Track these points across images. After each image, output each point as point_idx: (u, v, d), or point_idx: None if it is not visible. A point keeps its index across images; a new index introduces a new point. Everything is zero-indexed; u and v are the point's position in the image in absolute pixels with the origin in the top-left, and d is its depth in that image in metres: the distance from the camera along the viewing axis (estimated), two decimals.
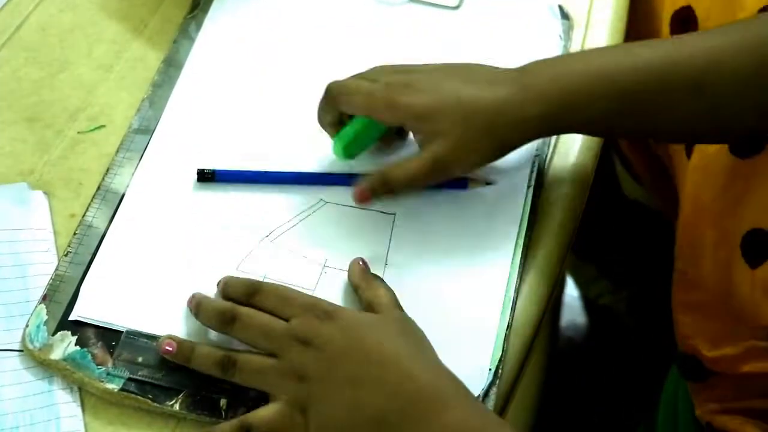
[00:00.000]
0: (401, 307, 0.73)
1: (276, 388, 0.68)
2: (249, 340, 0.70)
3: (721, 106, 0.73)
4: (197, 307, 0.73)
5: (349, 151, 0.81)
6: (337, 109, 0.80)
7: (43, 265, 0.78)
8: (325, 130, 0.82)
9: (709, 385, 0.86)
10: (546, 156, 0.85)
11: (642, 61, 0.74)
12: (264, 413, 0.68)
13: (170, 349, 0.71)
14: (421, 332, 0.71)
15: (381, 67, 0.80)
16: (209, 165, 0.83)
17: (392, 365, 0.66)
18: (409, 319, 0.71)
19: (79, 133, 0.87)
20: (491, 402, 0.71)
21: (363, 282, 0.75)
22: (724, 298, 0.82)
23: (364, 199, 0.77)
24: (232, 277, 0.75)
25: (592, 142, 0.87)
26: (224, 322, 0.71)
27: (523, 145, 0.77)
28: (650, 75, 0.73)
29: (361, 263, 0.76)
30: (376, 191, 0.77)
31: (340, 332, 0.68)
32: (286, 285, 0.74)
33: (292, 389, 0.67)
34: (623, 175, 1.31)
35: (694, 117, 0.74)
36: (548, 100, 0.74)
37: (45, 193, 0.82)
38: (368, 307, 0.73)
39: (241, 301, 0.72)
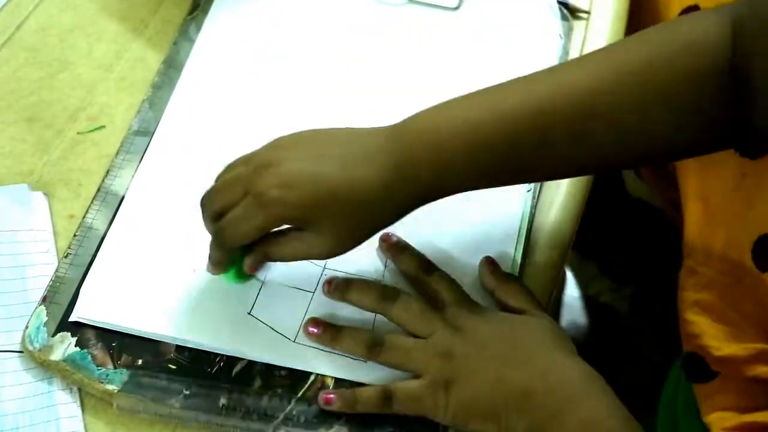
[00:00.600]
0: (543, 307, 0.74)
1: (422, 366, 0.70)
2: (405, 319, 0.73)
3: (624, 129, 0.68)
4: (348, 284, 0.75)
5: (242, 274, 0.76)
6: (230, 247, 0.72)
7: (43, 266, 0.78)
8: (217, 271, 0.75)
9: (715, 388, 0.86)
10: None
11: (518, 108, 0.67)
12: (408, 385, 0.70)
13: (315, 330, 0.73)
14: (564, 333, 0.72)
15: (232, 169, 0.73)
16: (207, 166, 0.83)
17: (540, 354, 0.69)
18: (553, 320, 0.73)
19: (79, 133, 0.87)
20: None
21: (498, 284, 0.76)
22: (734, 300, 0.82)
23: None
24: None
25: None
26: (385, 298, 0.74)
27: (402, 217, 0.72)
28: (530, 121, 0.67)
29: (490, 263, 0.77)
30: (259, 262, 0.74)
31: (490, 322, 0.71)
32: (288, 287, 0.75)
33: (437, 367, 0.69)
34: (627, 173, 1.31)
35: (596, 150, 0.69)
36: (419, 181, 0.68)
37: (45, 194, 0.82)
38: (509, 309, 0.74)
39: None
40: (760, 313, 0.78)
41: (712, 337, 0.84)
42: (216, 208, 0.70)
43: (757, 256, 0.77)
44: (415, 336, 0.72)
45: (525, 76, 0.69)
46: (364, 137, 0.70)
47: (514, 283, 0.76)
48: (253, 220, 0.68)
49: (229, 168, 0.72)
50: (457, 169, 0.68)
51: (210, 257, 0.73)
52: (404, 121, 0.70)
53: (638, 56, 0.66)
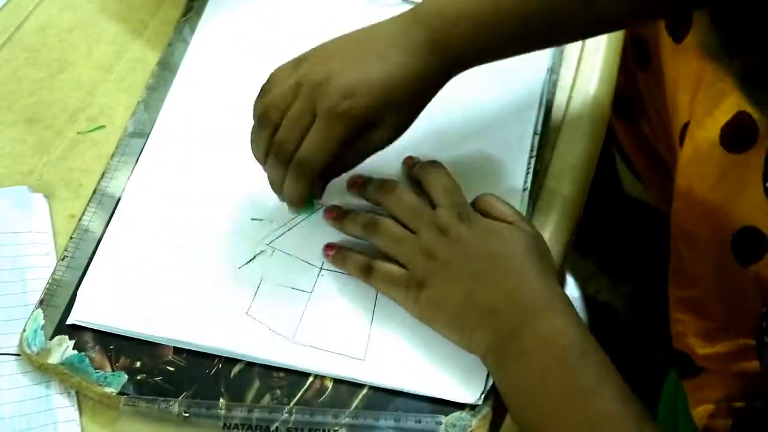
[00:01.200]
0: (530, 223, 0.76)
1: (406, 257, 0.74)
2: (396, 209, 0.76)
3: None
4: (354, 184, 0.80)
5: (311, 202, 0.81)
6: (311, 175, 0.75)
7: (42, 268, 0.78)
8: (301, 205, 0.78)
9: (702, 383, 0.86)
10: (544, 153, 0.85)
11: None
12: (390, 268, 0.74)
13: (330, 215, 0.79)
14: (546, 248, 0.74)
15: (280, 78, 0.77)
16: (203, 167, 0.84)
17: (514, 272, 0.70)
18: (538, 234, 0.75)
19: (78, 133, 0.87)
20: (490, 403, 0.71)
21: (481, 201, 0.77)
22: (718, 295, 0.82)
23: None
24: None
25: (593, 140, 0.87)
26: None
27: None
28: None
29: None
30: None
31: (475, 233, 0.73)
32: (284, 287, 0.75)
33: (419, 263, 0.73)
34: (624, 172, 1.31)
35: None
36: (449, 49, 0.75)
37: (45, 196, 0.83)
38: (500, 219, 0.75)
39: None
40: (743, 308, 0.78)
41: (697, 334, 0.85)
42: (286, 136, 0.73)
43: (737, 249, 0.78)
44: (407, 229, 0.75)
45: None
46: (386, 29, 0.76)
47: (493, 196, 0.77)
48: (334, 136, 0.72)
49: (275, 80, 0.76)
50: (481, 30, 0.74)
51: (290, 195, 0.76)
52: (420, 3, 0.76)
53: None
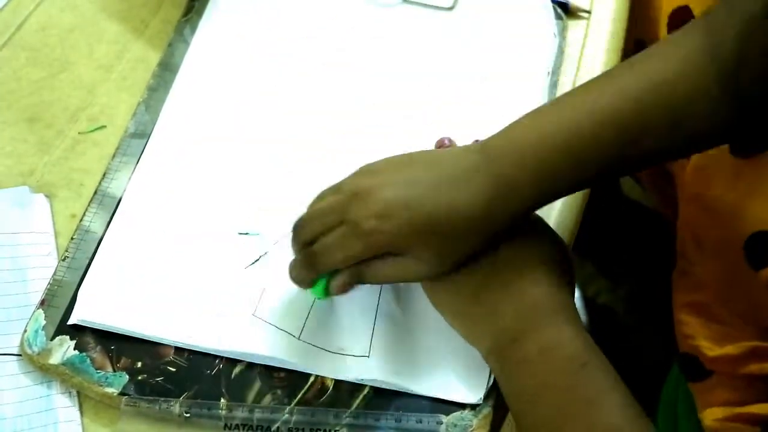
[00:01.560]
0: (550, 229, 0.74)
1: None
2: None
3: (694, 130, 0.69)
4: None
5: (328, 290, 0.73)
6: (320, 272, 0.71)
7: (43, 269, 0.78)
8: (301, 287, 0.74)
9: (711, 386, 0.86)
10: None
11: (602, 110, 0.68)
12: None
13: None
14: (565, 253, 0.72)
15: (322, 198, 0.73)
16: (204, 168, 0.84)
17: (520, 279, 0.68)
18: (557, 239, 0.73)
19: (79, 133, 0.87)
20: (491, 402, 0.71)
21: None
22: (728, 299, 0.82)
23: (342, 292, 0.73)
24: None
25: None
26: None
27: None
28: (620, 119, 0.68)
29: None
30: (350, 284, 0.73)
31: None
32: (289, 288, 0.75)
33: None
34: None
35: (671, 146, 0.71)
36: (519, 194, 0.68)
37: (46, 196, 0.83)
38: None
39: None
40: (754, 312, 0.78)
41: (705, 337, 0.85)
42: (308, 237, 0.71)
43: (750, 253, 0.77)
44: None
45: (591, 82, 0.71)
46: (456, 157, 0.70)
47: None
48: (350, 250, 0.68)
49: (320, 197, 0.73)
50: (557, 176, 0.67)
51: (295, 275, 0.72)
52: (494, 137, 0.70)
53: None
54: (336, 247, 0.68)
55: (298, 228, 0.72)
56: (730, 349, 0.82)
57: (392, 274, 0.69)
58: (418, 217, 0.66)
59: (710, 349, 0.85)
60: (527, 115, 0.70)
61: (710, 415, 0.83)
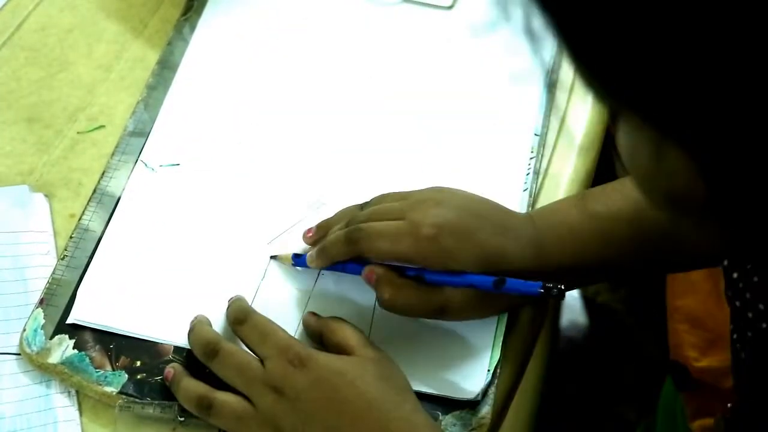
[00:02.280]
0: (373, 344, 0.70)
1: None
2: (226, 378, 0.69)
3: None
4: (190, 331, 0.72)
5: None
6: (357, 253, 0.72)
7: (42, 268, 0.78)
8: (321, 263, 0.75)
9: (699, 396, 0.86)
10: (544, 154, 0.85)
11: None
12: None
13: (168, 374, 0.71)
14: (397, 369, 0.69)
15: (387, 200, 0.75)
16: (204, 166, 0.84)
17: (367, 419, 0.65)
18: (384, 356, 0.70)
19: (78, 133, 0.87)
20: (489, 402, 0.71)
21: (325, 327, 0.72)
22: (712, 305, 0.82)
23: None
24: (236, 299, 0.74)
25: (591, 144, 0.87)
26: (207, 354, 0.70)
27: None
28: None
29: (312, 314, 0.74)
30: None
31: (312, 383, 0.66)
32: (284, 288, 0.74)
33: None
34: (622, 176, 1.31)
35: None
36: (559, 262, 0.73)
37: (46, 195, 0.83)
38: (339, 350, 0.70)
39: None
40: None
41: (692, 346, 0.85)
42: (363, 218, 0.72)
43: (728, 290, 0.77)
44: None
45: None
46: (515, 218, 0.74)
47: (340, 323, 0.72)
48: (399, 245, 0.69)
49: (384, 196, 0.74)
50: (578, 261, 0.73)
51: (329, 246, 0.73)
52: (542, 209, 0.76)
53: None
54: (387, 236, 0.70)
55: (355, 209, 0.74)
56: (713, 361, 0.83)
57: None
58: (472, 247, 0.69)
59: (696, 360, 0.86)
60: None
61: (700, 425, 0.84)
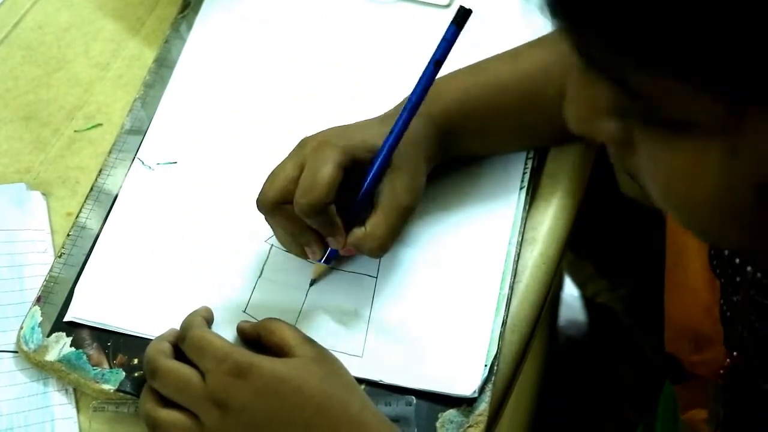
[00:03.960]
0: (312, 340, 0.69)
1: None
2: (170, 397, 0.66)
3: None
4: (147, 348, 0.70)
5: None
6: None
7: (39, 266, 0.78)
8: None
9: (692, 389, 0.86)
10: (541, 152, 0.85)
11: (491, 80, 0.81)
12: None
13: None
14: (339, 364, 0.68)
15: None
16: (200, 164, 0.84)
17: (317, 425, 0.64)
18: (325, 352, 0.69)
19: (76, 131, 0.87)
20: (486, 399, 0.71)
21: (261, 329, 0.71)
22: (707, 300, 0.82)
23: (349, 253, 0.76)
24: (189, 315, 0.72)
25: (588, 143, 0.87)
26: (148, 374, 0.68)
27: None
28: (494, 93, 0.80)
29: (245, 323, 0.73)
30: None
31: (256, 394, 0.64)
32: (281, 285, 0.74)
33: None
34: (620, 174, 1.31)
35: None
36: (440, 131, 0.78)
37: (43, 193, 0.82)
38: (279, 352, 0.68)
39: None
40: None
41: (687, 340, 0.85)
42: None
43: (713, 260, 0.77)
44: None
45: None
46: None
47: (276, 323, 0.71)
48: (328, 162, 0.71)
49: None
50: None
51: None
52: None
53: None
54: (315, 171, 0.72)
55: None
56: (707, 355, 0.83)
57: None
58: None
59: (691, 354, 0.86)
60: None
61: (692, 417, 0.84)
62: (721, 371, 0.73)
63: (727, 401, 0.73)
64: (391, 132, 0.73)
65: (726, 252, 0.68)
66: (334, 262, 0.76)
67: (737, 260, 0.69)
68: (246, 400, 0.64)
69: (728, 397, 0.72)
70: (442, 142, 0.78)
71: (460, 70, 0.82)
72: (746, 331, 0.71)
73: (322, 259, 0.74)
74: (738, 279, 0.69)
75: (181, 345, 0.68)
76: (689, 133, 0.43)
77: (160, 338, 0.70)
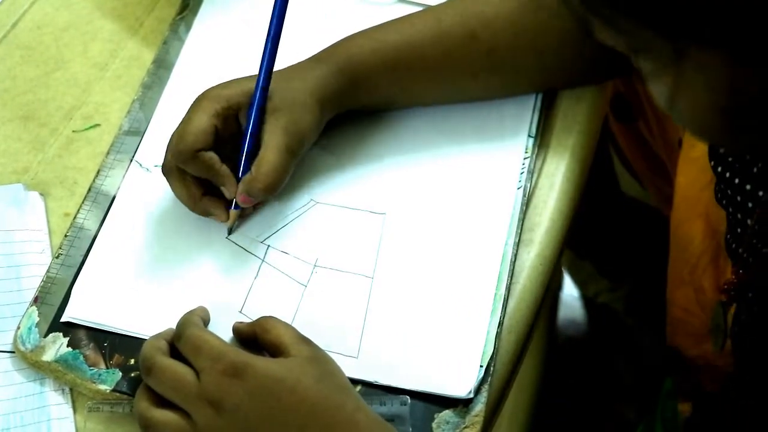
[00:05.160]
0: (307, 340, 0.69)
1: None
2: (164, 395, 0.66)
3: (497, 50, 0.81)
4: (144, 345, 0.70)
5: None
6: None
7: (37, 266, 0.78)
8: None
9: (690, 379, 0.87)
10: (539, 152, 0.85)
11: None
12: None
13: None
14: (334, 365, 0.68)
15: None
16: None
17: (311, 427, 0.64)
18: (320, 352, 0.69)
19: (74, 131, 0.87)
20: (482, 399, 0.71)
21: (257, 328, 0.70)
22: (711, 293, 0.82)
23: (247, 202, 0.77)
24: (186, 314, 0.72)
25: (587, 139, 0.87)
26: (144, 371, 0.67)
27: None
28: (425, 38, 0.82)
29: (240, 323, 0.73)
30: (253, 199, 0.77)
31: (251, 394, 0.64)
32: (277, 285, 0.74)
33: None
34: (621, 173, 1.31)
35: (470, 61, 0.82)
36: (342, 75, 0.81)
37: (41, 194, 0.83)
38: (274, 351, 0.68)
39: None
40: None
41: (687, 334, 0.85)
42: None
43: (718, 193, 0.78)
44: None
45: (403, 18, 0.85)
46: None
47: (272, 321, 0.70)
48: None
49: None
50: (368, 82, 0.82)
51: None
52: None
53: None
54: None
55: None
56: (707, 349, 0.83)
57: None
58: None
59: (691, 347, 0.86)
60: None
61: (688, 408, 0.84)
62: (725, 286, 0.75)
63: (735, 318, 0.75)
64: (259, 74, 0.77)
65: (736, 180, 0.73)
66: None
67: (748, 186, 0.72)
68: (240, 400, 0.64)
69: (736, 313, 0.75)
70: (347, 89, 0.81)
71: (377, 26, 0.85)
72: (752, 257, 0.73)
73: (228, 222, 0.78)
74: (750, 204, 0.72)
75: (177, 344, 0.68)
76: (663, 67, 0.55)
77: (157, 336, 0.70)
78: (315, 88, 0.79)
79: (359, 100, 0.83)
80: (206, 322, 0.73)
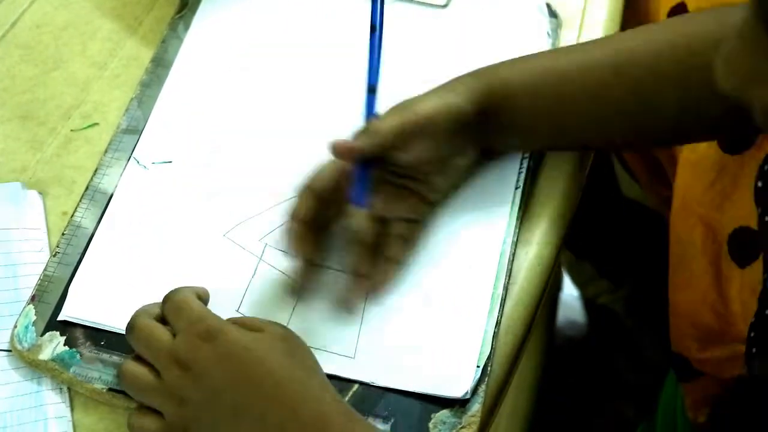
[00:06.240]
0: (283, 325, 0.70)
1: (158, 407, 0.67)
2: (138, 352, 0.68)
3: (641, 93, 0.75)
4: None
5: None
6: None
7: (34, 265, 0.78)
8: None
9: (700, 386, 0.86)
10: (536, 156, 0.85)
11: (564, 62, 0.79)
12: (146, 425, 0.67)
13: None
14: (304, 347, 0.69)
15: None
16: (198, 164, 0.84)
17: (276, 399, 0.64)
18: (292, 334, 0.69)
19: (72, 131, 0.87)
20: (479, 400, 0.71)
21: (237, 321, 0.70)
22: (714, 297, 0.82)
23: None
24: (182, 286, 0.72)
25: None
26: (126, 329, 0.69)
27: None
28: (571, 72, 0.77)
29: None
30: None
31: (219, 358, 0.65)
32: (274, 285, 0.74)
33: (172, 411, 0.66)
34: (621, 174, 1.31)
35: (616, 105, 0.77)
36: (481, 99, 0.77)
37: (39, 193, 0.83)
38: (250, 328, 0.68)
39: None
40: (739, 311, 0.78)
41: (693, 339, 0.85)
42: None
43: (734, 248, 0.78)
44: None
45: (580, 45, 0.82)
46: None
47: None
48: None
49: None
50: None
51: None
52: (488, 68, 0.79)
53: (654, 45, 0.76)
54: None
55: None
56: (715, 352, 0.83)
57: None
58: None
59: (697, 351, 0.86)
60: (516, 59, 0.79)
61: (701, 414, 0.84)
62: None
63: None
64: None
65: None
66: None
67: None
68: (209, 363, 0.65)
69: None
70: (484, 123, 0.77)
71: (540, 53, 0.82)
72: None
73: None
74: None
75: (162, 306, 0.70)
76: None
77: (151, 304, 0.71)
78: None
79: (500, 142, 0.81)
80: (205, 301, 0.73)
